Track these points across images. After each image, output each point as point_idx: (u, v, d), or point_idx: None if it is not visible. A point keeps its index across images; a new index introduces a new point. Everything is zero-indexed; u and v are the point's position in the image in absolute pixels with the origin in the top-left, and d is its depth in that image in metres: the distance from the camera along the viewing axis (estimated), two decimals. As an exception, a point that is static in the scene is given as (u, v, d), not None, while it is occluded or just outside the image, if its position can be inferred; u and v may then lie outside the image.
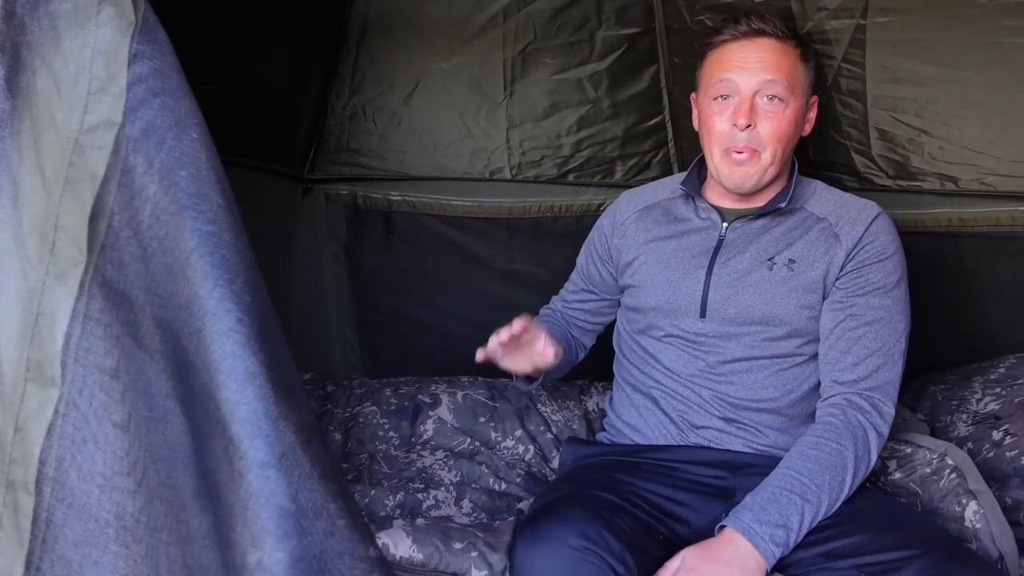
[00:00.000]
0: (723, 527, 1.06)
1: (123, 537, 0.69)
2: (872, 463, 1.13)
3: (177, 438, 0.68)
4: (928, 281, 1.57)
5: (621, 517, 1.03)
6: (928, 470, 1.24)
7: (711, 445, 1.21)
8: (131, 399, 0.71)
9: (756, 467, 1.17)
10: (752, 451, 1.20)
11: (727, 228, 1.27)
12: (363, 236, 2.05)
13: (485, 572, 1.05)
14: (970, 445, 1.35)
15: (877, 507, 1.10)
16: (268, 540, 0.58)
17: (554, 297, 1.53)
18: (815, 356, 1.22)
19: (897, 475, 1.27)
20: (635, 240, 1.34)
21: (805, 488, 1.07)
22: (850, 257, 1.20)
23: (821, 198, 1.28)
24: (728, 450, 1.20)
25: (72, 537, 0.70)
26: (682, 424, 1.23)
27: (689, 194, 1.31)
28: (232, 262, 0.68)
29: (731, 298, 1.23)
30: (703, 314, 1.23)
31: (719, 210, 1.29)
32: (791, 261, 1.21)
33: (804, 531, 1.05)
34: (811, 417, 1.21)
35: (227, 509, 0.59)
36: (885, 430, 1.15)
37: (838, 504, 1.08)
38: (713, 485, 1.18)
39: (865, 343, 1.16)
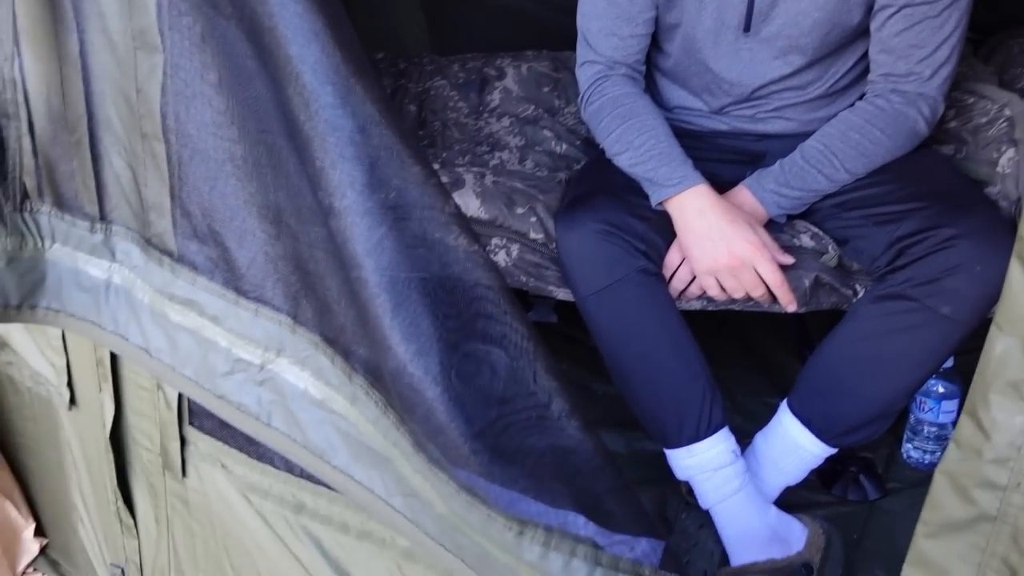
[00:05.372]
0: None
1: (237, 173, 0.86)
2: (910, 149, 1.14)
3: (263, 92, 0.81)
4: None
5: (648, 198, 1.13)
6: (984, 120, 1.25)
7: (744, 127, 1.24)
8: (221, 61, 0.83)
9: (790, 136, 1.20)
10: (786, 131, 1.22)
11: None
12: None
13: (542, 236, 1.21)
14: (1033, 94, 1.34)
15: (903, 160, 1.14)
16: (344, 165, 0.72)
17: (596, 69, 1.21)
18: (863, 33, 1.14)
19: (953, 124, 1.28)
20: None
21: (835, 170, 1.11)
22: None
23: None
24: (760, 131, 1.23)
25: (200, 174, 0.88)
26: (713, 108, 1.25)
27: None
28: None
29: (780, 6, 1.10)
30: (747, 28, 1.13)
31: None
32: None
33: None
34: (851, 88, 1.20)
35: (305, 142, 0.73)
36: (933, 125, 1.14)
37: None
38: (744, 151, 1.24)
39: (923, 38, 1.08)
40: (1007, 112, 1.23)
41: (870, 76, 1.16)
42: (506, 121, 1.61)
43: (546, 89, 1.69)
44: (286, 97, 0.77)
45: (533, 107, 1.64)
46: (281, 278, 0.86)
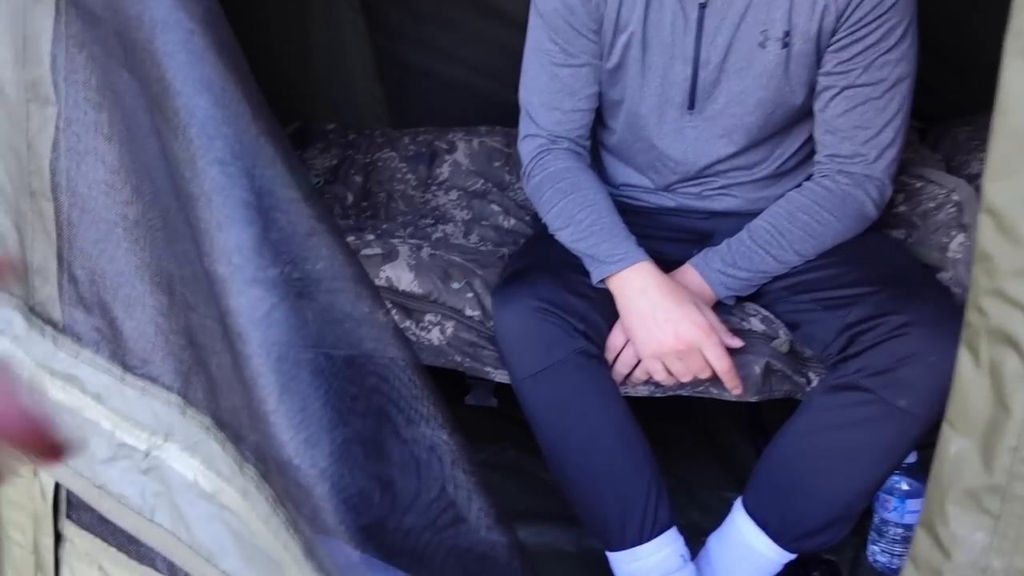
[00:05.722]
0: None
1: (130, 235, 0.78)
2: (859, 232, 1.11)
3: (159, 148, 0.74)
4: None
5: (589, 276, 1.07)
6: (932, 204, 1.24)
7: (691, 204, 1.21)
8: (117, 115, 0.77)
9: (737, 214, 1.16)
10: (733, 208, 1.19)
11: None
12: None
13: (478, 313, 1.13)
14: (980, 182, 1.33)
15: (854, 242, 1.11)
16: (230, 228, 0.65)
17: (538, 143, 1.16)
18: (808, 115, 1.12)
19: (902, 208, 1.27)
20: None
21: (783, 251, 1.07)
22: (843, 19, 1.01)
23: None
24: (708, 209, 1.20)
25: (89, 236, 0.80)
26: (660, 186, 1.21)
27: None
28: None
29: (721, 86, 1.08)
30: (692, 106, 1.10)
31: None
32: (786, 34, 1.03)
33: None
34: (798, 169, 1.18)
35: (191, 202, 0.66)
36: (882, 207, 1.11)
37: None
38: (692, 230, 1.20)
39: (867, 120, 1.06)
40: (955, 197, 1.21)
41: (816, 157, 1.13)
42: (454, 194, 1.56)
43: (497, 164, 1.65)
44: (174, 153, 0.70)
45: (482, 181, 1.60)
46: (172, 352, 0.78)
